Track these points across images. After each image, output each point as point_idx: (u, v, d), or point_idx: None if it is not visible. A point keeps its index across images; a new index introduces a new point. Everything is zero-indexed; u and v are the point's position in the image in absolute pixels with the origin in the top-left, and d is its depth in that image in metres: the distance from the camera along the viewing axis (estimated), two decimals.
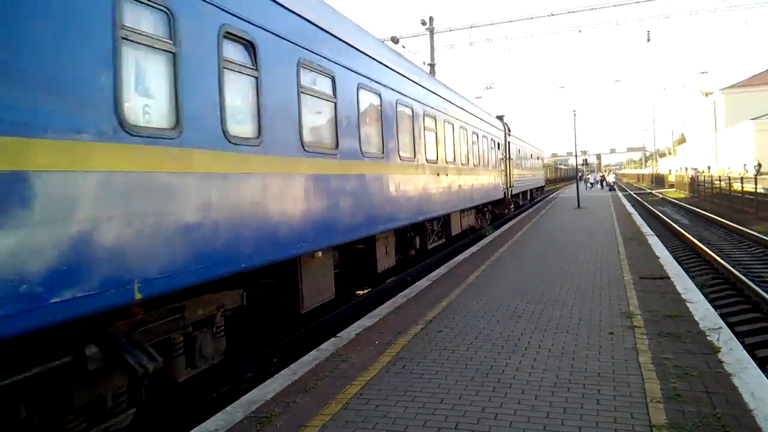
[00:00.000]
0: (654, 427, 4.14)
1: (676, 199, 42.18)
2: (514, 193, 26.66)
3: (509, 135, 26.64)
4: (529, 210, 30.41)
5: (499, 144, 22.98)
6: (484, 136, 19.56)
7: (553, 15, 34.58)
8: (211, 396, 6.20)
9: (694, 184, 47.64)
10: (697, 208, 31.01)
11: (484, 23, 35.18)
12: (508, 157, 25.19)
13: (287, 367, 5.99)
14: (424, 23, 31.16)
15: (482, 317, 7.61)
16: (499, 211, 24.60)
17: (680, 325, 6.78)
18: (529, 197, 37.93)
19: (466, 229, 18.06)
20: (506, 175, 24.36)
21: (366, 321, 7.70)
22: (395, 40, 30.88)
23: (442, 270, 11.66)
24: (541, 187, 47.87)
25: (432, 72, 30.70)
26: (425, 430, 4.31)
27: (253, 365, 6.96)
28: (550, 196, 48.04)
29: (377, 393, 5.10)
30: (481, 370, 5.54)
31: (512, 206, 27.88)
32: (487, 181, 19.56)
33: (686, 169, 70.59)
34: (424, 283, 10.31)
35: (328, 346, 6.61)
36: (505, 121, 26.60)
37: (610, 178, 57.60)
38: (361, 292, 11.33)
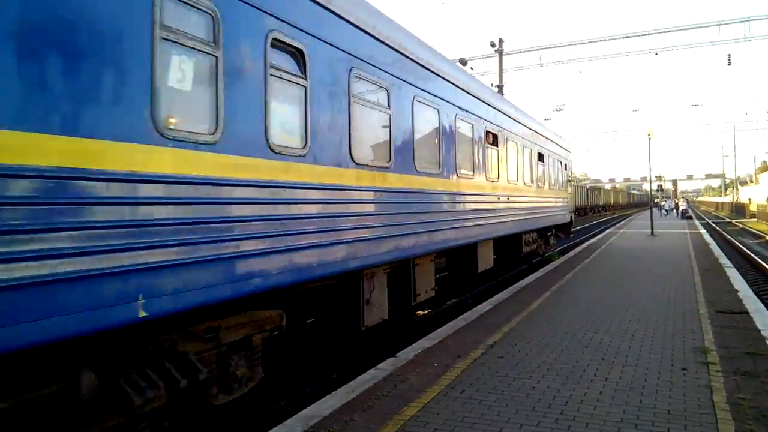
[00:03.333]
0: None
1: (757, 230, 39.77)
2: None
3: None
4: (601, 235, 26.81)
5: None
6: None
7: (627, 37, 33.83)
8: (271, 408, 6.31)
9: None
10: None
11: (554, 45, 34.79)
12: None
13: (345, 384, 6.03)
14: (493, 45, 31.06)
15: (546, 345, 7.41)
16: None
17: (759, 363, 6.37)
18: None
19: None
20: None
21: (425, 342, 7.65)
22: (464, 62, 30.92)
23: (504, 294, 11.46)
24: (561, 226, 21.01)
25: (500, 93, 30.52)
26: None
27: (312, 380, 7.05)
28: (618, 224, 46.16)
29: (435, 417, 5.05)
30: (543, 401, 5.39)
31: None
32: None
33: None
34: (485, 306, 10.16)
35: (386, 366, 6.61)
36: None
37: (682, 205, 55.27)
38: (421, 313, 11.29)
